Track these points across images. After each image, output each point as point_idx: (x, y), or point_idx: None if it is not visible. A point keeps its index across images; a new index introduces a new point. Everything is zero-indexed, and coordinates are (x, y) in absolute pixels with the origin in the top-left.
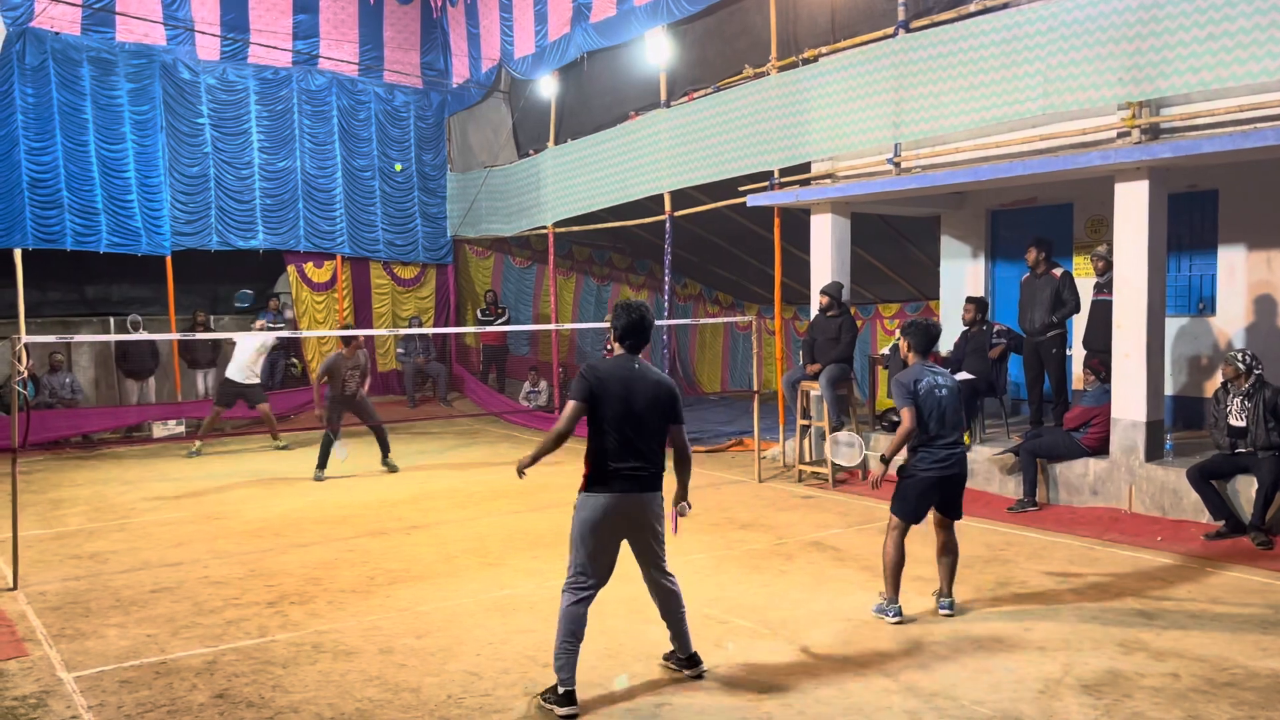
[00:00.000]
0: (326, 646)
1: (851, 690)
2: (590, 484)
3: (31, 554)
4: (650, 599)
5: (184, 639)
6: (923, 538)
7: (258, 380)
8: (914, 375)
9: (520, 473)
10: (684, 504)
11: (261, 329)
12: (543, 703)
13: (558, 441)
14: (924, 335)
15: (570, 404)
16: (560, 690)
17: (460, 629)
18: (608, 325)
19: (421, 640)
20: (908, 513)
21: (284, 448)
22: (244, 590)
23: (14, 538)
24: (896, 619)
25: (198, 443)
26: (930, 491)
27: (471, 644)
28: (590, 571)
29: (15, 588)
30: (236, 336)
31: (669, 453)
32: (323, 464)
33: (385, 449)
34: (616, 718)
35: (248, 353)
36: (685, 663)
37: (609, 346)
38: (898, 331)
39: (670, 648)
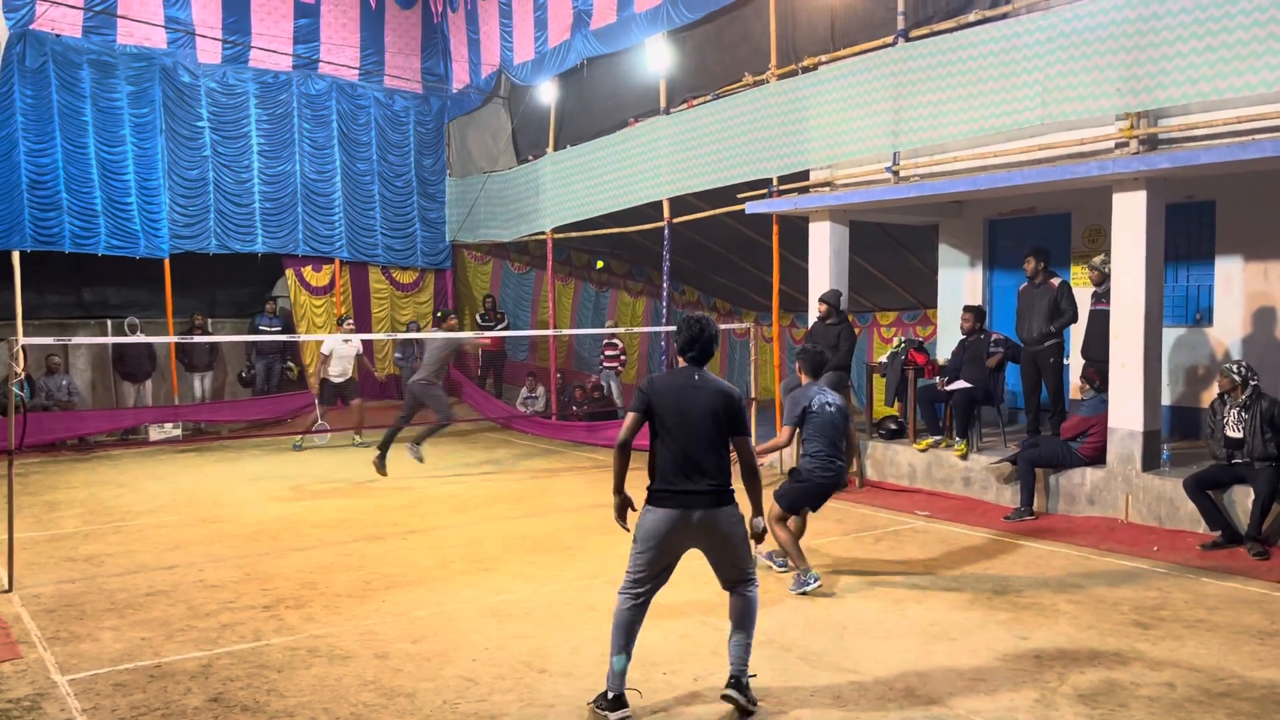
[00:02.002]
0: (322, 651)
1: (847, 698)
2: (651, 496)
3: (27, 556)
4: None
5: (179, 642)
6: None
7: (350, 377)
8: (808, 394)
9: (623, 522)
10: (757, 520)
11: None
12: (595, 710)
13: (621, 451)
14: (812, 360)
15: (628, 415)
16: (609, 695)
17: (456, 634)
18: (607, 331)
19: (417, 645)
20: (793, 507)
21: (362, 444)
22: (239, 594)
23: (9, 540)
24: (817, 583)
25: (357, 436)
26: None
27: (467, 649)
28: (644, 578)
29: (10, 590)
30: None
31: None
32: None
33: (426, 436)
34: None
35: (345, 358)
36: (729, 682)
37: (604, 353)
38: (894, 340)
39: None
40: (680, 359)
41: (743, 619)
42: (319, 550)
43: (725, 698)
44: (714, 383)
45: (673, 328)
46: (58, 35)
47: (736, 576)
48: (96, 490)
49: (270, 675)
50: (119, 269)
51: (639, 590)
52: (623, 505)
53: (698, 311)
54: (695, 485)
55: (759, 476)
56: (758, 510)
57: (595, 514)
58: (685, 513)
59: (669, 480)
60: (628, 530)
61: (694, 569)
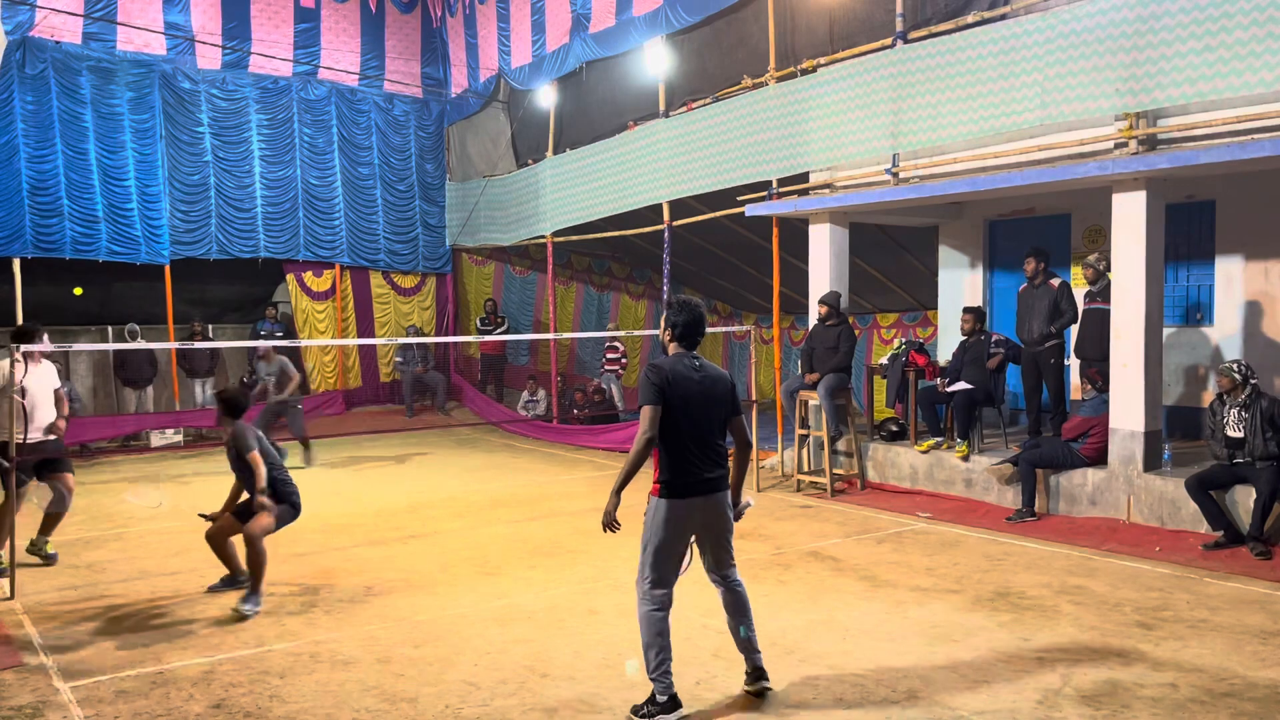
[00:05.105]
0: (324, 656)
1: (850, 700)
2: (667, 490)
3: (29, 563)
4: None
5: (181, 649)
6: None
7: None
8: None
9: (610, 527)
10: (747, 500)
11: None
12: (637, 717)
13: (648, 448)
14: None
15: (647, 409)
16: (661, 698)
17: (458, 638)
18: (607, 334)
19: (419, 650)
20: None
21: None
22: None
23: (11, 547)
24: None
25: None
26: None
27: (469, 654)
28: (666, 577)
29: (12, 597)
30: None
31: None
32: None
33: (307, 457)
34: None
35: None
36: (750, 675)
37: (605, 356)
38: (895, 341)
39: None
40: (675, 345)
41: (743, 609)
42: (320, 555)
43: (760, 691)
44: (712, 367)
45: None
46: (57, 42)
47: (727, 562)
48: (98, 497)
49: (272, 681)
50: (120, 275)
51: (662, 589)
52: (616, 508)
53: (683, 295)
54: (711, 472)
55: (750, 452)
56: (738, 492)
57: (597, 517)
58: (702, 500)
59: (688, 470)
60: (613, 529)
61: (694, 573)
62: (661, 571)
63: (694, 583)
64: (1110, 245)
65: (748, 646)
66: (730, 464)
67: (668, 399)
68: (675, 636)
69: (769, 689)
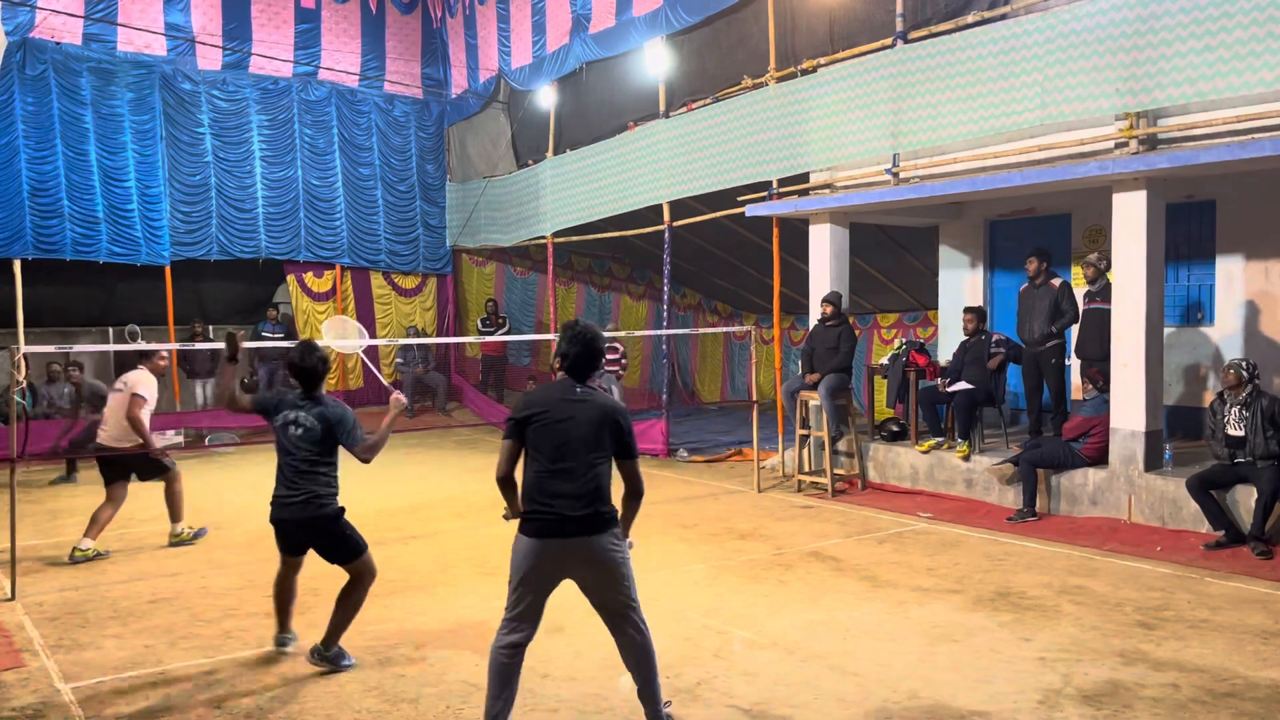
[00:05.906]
0: None
1: (851, 700)
2: (522, 525)
3: (29, 564)
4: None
5: (182, 650)
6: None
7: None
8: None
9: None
10: (628, 541)
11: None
12: None
13: (501, 485)
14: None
15: (503, 445)
16: None
17: (458, 639)
18: (607, 335)
19: (420, 650)
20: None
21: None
22: (242, 601)
23: (12, 548)
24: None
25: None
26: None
27: (470, 654)
28: (519, 616)
29: (13, 598)
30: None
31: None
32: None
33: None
34: None
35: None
36: None
37: (605, 357)
38: (895, 341)
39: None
40: (563, 374)
41: (641, 663)
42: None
43: None
44: (600, 397)
45: (670, 332)
46: (58, 43)
47: (621, 606)
48: (98, 498)
49: (273, 682)
50: (121, 276)
51: (516, 628)
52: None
53: (582, 318)
54: (570, 510)
55: (640, 501)
56: (625, 533)
57: None
58: (555, 542)
59: (542, 505)
60: (507, 520)
61: (695, 573)
62: (515, 611)
63: (694, 583)
64: (1110, 245)
65: (649, 698)
66: (615, 504)
67: (525, 432)
68: (675, 637)
69: None
